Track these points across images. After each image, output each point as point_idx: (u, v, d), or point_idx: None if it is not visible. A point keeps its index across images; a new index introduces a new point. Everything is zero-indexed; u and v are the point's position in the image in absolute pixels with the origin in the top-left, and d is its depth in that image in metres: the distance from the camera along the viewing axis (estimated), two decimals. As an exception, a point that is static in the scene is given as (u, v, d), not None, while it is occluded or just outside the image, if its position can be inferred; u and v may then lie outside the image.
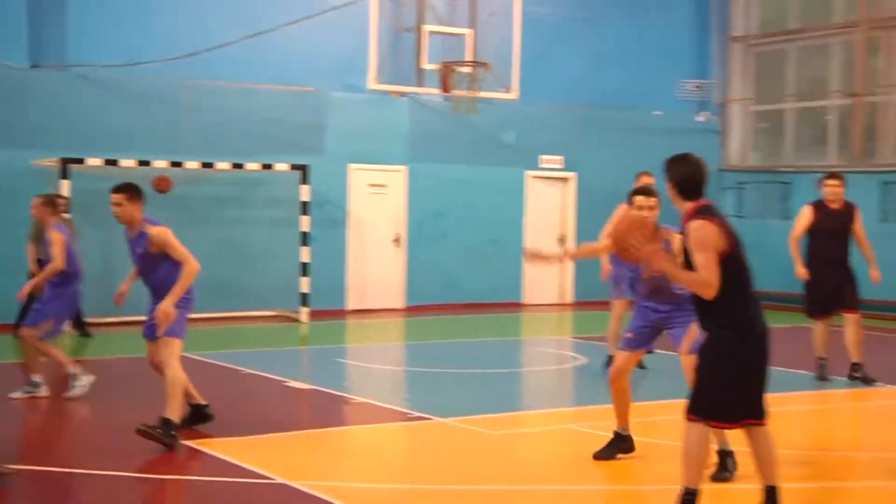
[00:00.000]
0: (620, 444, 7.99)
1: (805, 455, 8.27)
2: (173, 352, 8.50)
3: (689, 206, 6.18)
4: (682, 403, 6.22)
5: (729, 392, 6.07)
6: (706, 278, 5.94)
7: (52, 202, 10.71)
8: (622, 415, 8.00)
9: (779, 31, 22.09)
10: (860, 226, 12.01)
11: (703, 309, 6.17)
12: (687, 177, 6.24)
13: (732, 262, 6.04)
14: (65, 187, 15.20)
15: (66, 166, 15.41)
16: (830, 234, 11.85)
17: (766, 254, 21.14)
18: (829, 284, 11.84)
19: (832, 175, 12.14)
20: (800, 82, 22.02)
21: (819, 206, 11.96)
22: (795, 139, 22.07)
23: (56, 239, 10.18)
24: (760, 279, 19.73)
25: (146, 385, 9.93)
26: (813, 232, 11.96)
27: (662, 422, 9.37)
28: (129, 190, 8.64)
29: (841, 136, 21.02)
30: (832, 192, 11.87)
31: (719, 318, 6.14)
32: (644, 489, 7.49)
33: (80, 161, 15.62)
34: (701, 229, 6.00)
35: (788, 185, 21.19)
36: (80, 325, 14.84)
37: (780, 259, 20.82)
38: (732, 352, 6.08)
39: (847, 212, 11.94)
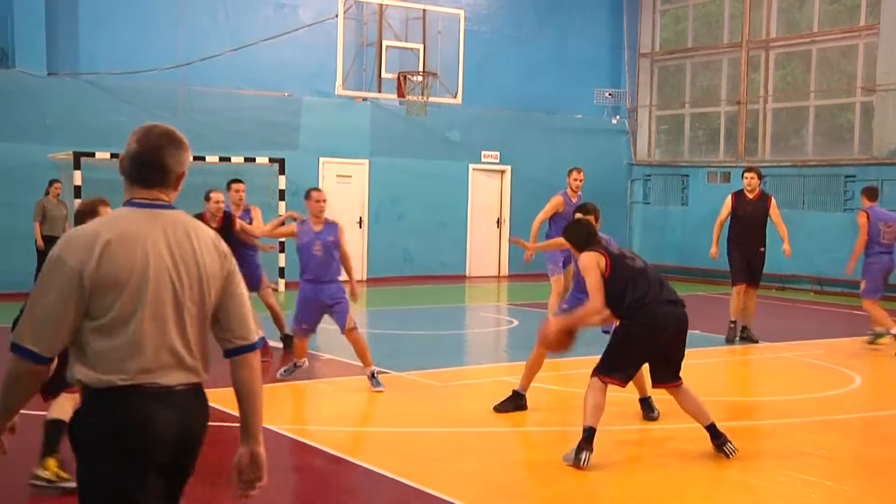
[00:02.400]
0: (517, 401, 7.81)
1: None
2: None
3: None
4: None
5: (622, 361, 6.48)
6: (592, 303, 6.43)
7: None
8: (530, 376, 7.85)
9: (678, 48, 22.19)
10: (776, 212, 11.36)
11: (609, 307, 6.53)
12: (578, 236, 6.72)
13: (613, 277, 6.42)
14: (77, 177, 14.95)
15: (79, 158, 15.19)
16: (750, 219, 11.23)
17: (667, 233, 21.38)
18: (746, 261, 11.35)
19: (748, 169, 11.44)
20: (694, 92, 22.15)
21: (738, 196, 11.38)
22: (691, 139, 22.20)
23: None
24: (662, 254, 19.81)
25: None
26: (734, 217, 11.38)
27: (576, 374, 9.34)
28: None
29: (728, 137, 21.17)
30: (748, 183, 11.23)
31: (617, 313, 6.53)
32: (566, 430, 7.45)
33: (92, 154, 15.38)
34: (585, 259, 6.52)
35: (686, 176, 21.34)
36: None
37: (678, 237, 21.10)
38: (627, 335, 6.48)
39: (762, 200, 11.28)
